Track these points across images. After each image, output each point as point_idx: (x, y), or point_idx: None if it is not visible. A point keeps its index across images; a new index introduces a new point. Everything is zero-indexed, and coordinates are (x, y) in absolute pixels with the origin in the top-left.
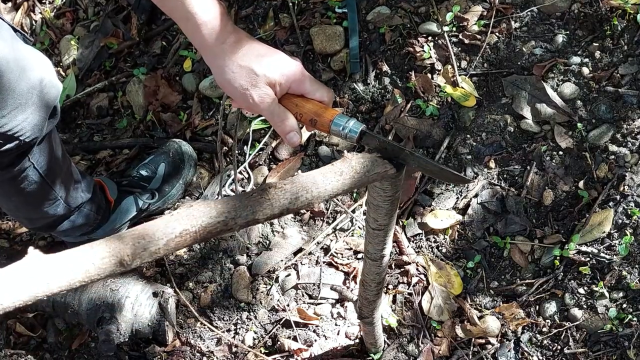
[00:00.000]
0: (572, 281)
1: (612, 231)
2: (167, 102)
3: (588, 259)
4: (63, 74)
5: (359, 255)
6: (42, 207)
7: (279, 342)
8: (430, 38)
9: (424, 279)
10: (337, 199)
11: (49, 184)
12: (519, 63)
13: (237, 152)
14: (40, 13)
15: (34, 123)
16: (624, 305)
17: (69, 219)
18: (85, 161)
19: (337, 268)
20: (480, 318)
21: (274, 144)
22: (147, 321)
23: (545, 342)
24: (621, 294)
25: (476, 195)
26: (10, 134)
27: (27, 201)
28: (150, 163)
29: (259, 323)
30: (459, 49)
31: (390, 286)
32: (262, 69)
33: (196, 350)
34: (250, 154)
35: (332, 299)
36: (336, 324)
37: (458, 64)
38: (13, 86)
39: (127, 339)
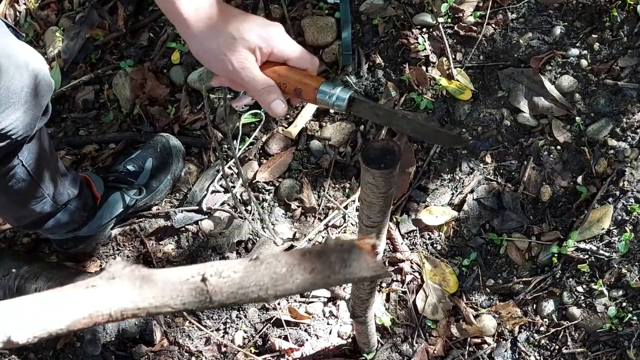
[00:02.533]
0: (571, 279)
1: (611, 228)
2: (155, 96)
3: (587, 256)
4: (48, 66)
5: None
6: (29, 204)
7: (269, 342)
8: (424, 29)
9: (419, 277)
10: (329, 195)
11: (37, 181)
12: (515, 55)
13: (226, 146)
14: (25, 4)
15: (26, 122)
16: (624, 304)
17: (55, 217)
18: (71, 156)
19: None
20: (476, 317)
21: (264, 139)
22: (134, 320)
23: (542, 341)
24: (621, 293)
25: (472, 191)
26: (3, 133)
27: (14, 199)
28: (138, 158)
29: (249, 322)
30: (454, 40)
31: (384, 284)
32: (240, 33)
33: (184, 350)
34: (240, 149)
35: (324, 297)
36: (328, 323)
37: (453, 56)
38: (6, 84)
39: (113, 339)
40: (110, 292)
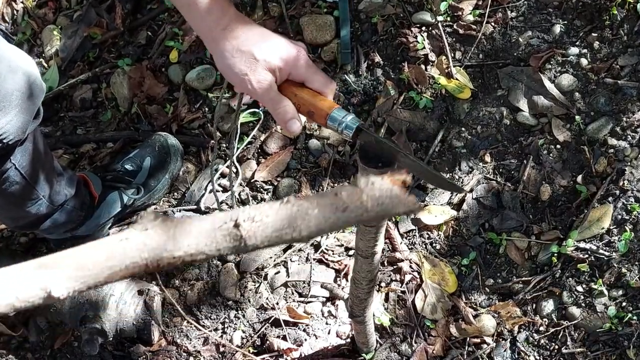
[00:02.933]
0: (570, 279)
1: (611, 227)
2: (153, 94)
3: (586, 255)
4: (45, 65)
5: (350, 252)
6: (25, 207)
7: (267, 342)
8: (423, 28)
9: (418, 276)
10: None
11: (31, 183)
12: (515, 54)
13: (225, 145)
14: (22, 2)
15: (17, 125)
16: (624, 304)
17: (51, 217)
18: (68, 155)
19: (327, 265)
20: (475, 317)
21: (262, 138)
22: (132, 320)
23: (542, 341)
24: (621, 292)
25: (471, 190)
26: None
27: (9, 202)
28: (135, 157)
29: (247, 322)
30: (454, 39)
31: (383, 284)
32: (262, 54)
33: (182, 349)
34: (238, 148)
35: (323, 297)
36: (327, 323)
37: (452, 55)
38: None
39: (111, 339)
40: (145, 243)
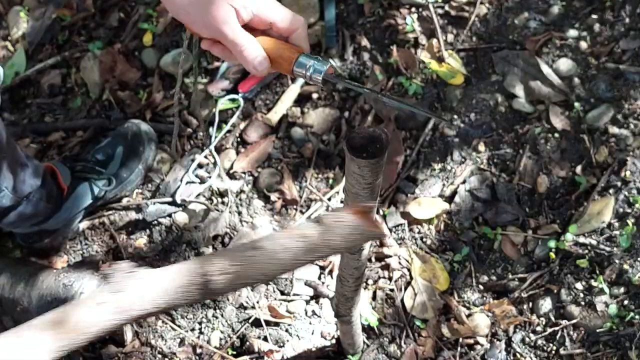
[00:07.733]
0: (569, 276)
1: (612, 221)
2: (125, 80)
3: (586, 251)
4: (12, 48)
5: None
6: None
7: (247, 343)
8: (413, 9)
9: (407, 273)
10: (311, 186)
11: None
12: (510, 37)
13: (201, 134)
14: None
15: None
16: (625, 302)
17: (16, 210)
18: (36, 144)
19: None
20: (468, 316)
21: (242, 126)
22: None
23: (539, 342)
24: (622, 290)
25: (464, 182)
26: None
27: None
28: (107, 146)
29: (226, 322)
30: (445, 21)
31: (370, 281)
32: None
33: (157, 351)
34: (216, 137)
35: (306, 295)
36: (310, 323)
37: (444, 38)
38: None
39: None
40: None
